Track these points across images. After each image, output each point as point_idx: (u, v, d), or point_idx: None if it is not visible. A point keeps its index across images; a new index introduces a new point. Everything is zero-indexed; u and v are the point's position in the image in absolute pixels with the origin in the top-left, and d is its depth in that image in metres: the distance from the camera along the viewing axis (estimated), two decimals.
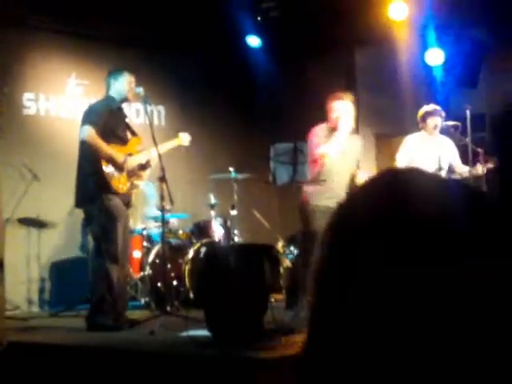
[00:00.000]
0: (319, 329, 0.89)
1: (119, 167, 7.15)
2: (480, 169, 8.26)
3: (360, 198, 0.93)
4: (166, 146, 7.75)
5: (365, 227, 0.88)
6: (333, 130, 7.51)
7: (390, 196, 0.89)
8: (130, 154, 7.33)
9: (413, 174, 0.93)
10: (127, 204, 7.34)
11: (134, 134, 7.54)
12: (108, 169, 7.06)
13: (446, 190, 0.90)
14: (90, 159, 7.06)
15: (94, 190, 7.01)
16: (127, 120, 7.63)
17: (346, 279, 0.86)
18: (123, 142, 7.34)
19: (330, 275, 0.89)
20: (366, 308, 0.84)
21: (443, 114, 8.37)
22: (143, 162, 7.48)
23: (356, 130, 11.50)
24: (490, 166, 8.33)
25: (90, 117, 7.15)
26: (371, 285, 0.84)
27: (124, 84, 7.40)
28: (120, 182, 7.17)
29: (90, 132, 7.01)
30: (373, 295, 0.84)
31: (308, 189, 7.41)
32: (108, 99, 7.39)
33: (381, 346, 0.83)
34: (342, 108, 7.55)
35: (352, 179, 7.56)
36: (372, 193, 0.92)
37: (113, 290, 6.99)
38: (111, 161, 7.09)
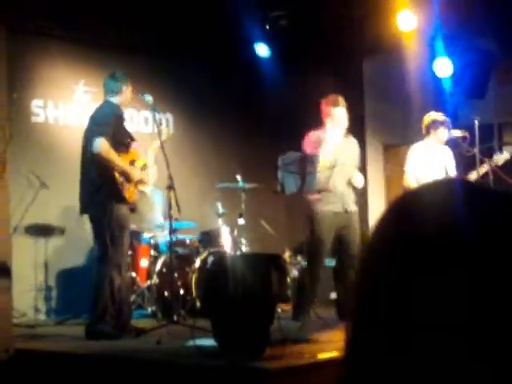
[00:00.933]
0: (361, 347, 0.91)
1: (129, 178, 7.16)
2: (481, 170, 8.31)
3: (378, 222, 0.96)
4: (156, 144, 7.70)
5: (378, 252, 0.93)
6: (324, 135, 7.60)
7: (396, 217, 0.94)
8: (132, 161, 7.34)
9: (419, 190, 0.97)
10: (132, 210, 7.38)
11: (132, 139, 7.51)
12: (120, 180, 7.07)
13: (452, 201, 0.92)
14: (102, 170, 7.04)
15: (106, 200, 7.02)
16: (125, 124, 7.59)
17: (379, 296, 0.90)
18: (127, 148, 7.33)
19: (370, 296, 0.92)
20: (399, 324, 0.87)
21: (450, 126, 8.38)
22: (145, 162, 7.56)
23: (363, 140, 11.54)
24: (499, 163, 8.38)
25: (101, 128, 7.06)
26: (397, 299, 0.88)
27: (128, 94, 7.40)
28: (130, 192, 7.20)
29: (104, 145, 6.95)
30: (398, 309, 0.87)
31: (313, 196, 7.42)
32: (113, 106, 7.32)
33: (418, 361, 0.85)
34: (341, 115, 7.58)
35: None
36: (385, 217, 0.96)
37: (115, 298, 7.02)
38: (123, 173, 7.10)
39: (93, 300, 7.09)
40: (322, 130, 7.65)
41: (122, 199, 7.10)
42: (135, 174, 7.25)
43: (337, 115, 7.56)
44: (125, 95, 7.38)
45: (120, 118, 7.31)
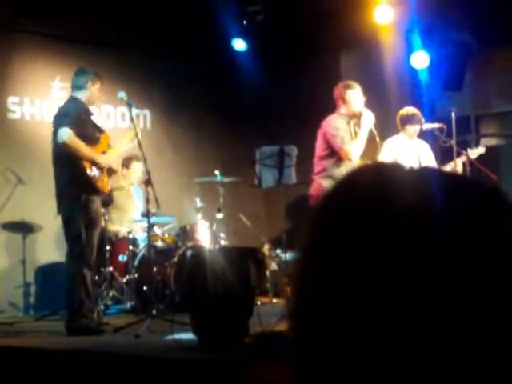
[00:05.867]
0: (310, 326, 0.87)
1: (100, 167, 7.11)
2: (459, 162, 8.33)
3: (346, 190, 0.91)
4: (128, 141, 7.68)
5: (346, 220, 0.87)
6: (349, 119, 7.34)
7: (375, 189, 0.88)
8: (103, 153, 7.28)
9: (398, 168, 0.92)
10: (107, 203, 7.35)
11: (101, 131, 7.44)
12: (91, 170, 7.02)
13: (430, 185, 0.88)
14: (71, 161, 6.97)
15: (77, 192, 6.95)
16: (93, 117, 7.50)
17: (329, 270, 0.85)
18: (94, 141, 7.23)
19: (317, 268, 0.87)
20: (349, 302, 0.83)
21: (422, 120, 8.36)
22: (126, 148, 7.62)
23: None
24: (472, 157, 8.41)
25: (65, 119, 6.98)
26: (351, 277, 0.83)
27: (93, 91, 7.31)
28: (103, 182, 7.16)
29: (69, 133, 6.87)
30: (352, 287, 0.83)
31: (323, 183, 7.07)
32: (76, 101, 7.24)
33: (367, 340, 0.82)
34: (359, 98, 7.36)
35: None
36: (359, 184, 0.91)
37: (89, 294, 7.01)
38: (92, 161, 7.04)
39: (67, 297, 7.06)
40: (343, 114, 7.43)
41: (94, 191, 7.05)
42: (103, 160, 7.19)
43: (353, 97, 7.37)
44: (90, 91, 7.30)
45: (85, 113, 7.25)
